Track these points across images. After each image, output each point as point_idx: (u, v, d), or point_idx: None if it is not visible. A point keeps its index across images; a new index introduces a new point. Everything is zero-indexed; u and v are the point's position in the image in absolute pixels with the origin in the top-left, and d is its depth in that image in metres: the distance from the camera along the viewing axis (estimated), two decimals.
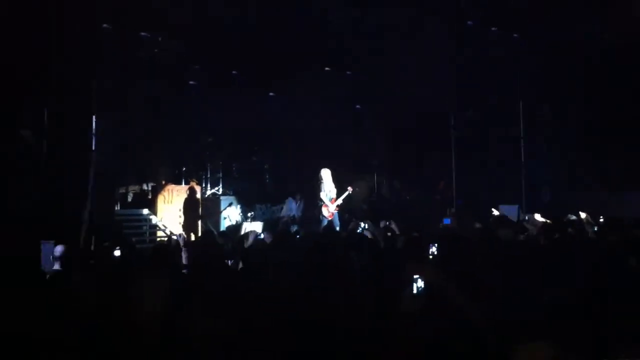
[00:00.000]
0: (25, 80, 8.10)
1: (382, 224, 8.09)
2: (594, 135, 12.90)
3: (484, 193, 13.58)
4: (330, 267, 3.90)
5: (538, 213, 9.02)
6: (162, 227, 11.53)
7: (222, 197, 13.51)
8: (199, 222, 11.88)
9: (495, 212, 10.11)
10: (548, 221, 8.21)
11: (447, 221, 11.54)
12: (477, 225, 8.23)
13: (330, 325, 2.97)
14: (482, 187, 13.81)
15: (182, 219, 11.66)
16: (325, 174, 11.33)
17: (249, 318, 3.02)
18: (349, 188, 11.38)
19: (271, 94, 14.74)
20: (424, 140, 14.48)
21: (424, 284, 2.99)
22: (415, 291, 3.05)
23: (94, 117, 9.50)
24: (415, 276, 3.06)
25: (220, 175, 14.36)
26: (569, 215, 8.59)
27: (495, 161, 14.15)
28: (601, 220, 8.52)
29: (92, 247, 8.35)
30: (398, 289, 3.20)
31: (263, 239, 6.80)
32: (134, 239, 10.16)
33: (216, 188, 14.16)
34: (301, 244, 6.07)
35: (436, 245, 5.04)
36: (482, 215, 10.46)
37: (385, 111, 15.22)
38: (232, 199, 13.43)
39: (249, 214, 13.01)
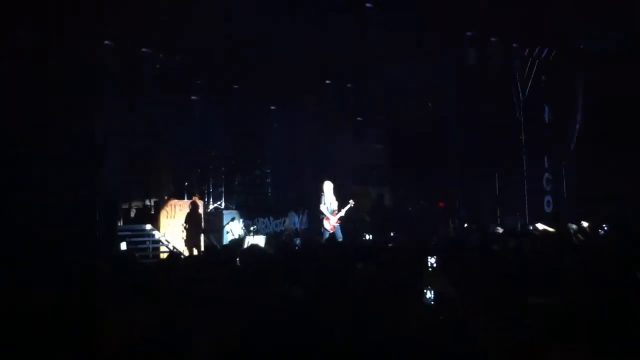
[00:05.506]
0: (27, 99, 8.13)
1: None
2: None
3: (485, 203, 13.60)
4: (336, 278, 3.87)
5: (540, 223, 9.03)
6: (165, 242, 11.52)
7: (224, 211, 13.51)
8: (202, 237, 11.88)
9: (499, 229, 10.07)
10: (550, 229, 8.22)
11: None
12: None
13: (337, 337, 2.95)
14: (484, 197, 13.82)
15: (184, 234, 11.67)
16: (327, 186, 11.29)
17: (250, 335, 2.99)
18: (351, 201, 11.29)
19: (273, 107, 14.81)
20: (426, 151, 14.49)
21: (435, 294, 2.99)
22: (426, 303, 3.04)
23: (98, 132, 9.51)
24: (425, 289, 3.05)
25: (223, 189, 14.37)
26: (570, 224, 8.60)
27: (496, 172, 14.16)
28: (605, 228, 8.51)
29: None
30: (407, 300, 3.20)
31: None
32: (137, 255, 10.20)
33: (218, 202, 14.15)
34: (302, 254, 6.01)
35: (435, 257, 5.01)
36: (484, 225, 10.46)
37: (386, 122, 15.28)
38: (234, 213, 13.41)
39: (252, 228, 13.00)
